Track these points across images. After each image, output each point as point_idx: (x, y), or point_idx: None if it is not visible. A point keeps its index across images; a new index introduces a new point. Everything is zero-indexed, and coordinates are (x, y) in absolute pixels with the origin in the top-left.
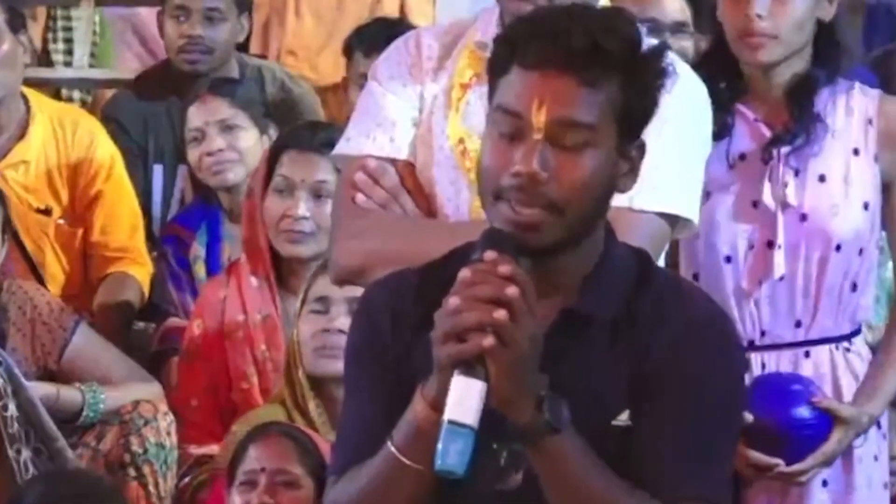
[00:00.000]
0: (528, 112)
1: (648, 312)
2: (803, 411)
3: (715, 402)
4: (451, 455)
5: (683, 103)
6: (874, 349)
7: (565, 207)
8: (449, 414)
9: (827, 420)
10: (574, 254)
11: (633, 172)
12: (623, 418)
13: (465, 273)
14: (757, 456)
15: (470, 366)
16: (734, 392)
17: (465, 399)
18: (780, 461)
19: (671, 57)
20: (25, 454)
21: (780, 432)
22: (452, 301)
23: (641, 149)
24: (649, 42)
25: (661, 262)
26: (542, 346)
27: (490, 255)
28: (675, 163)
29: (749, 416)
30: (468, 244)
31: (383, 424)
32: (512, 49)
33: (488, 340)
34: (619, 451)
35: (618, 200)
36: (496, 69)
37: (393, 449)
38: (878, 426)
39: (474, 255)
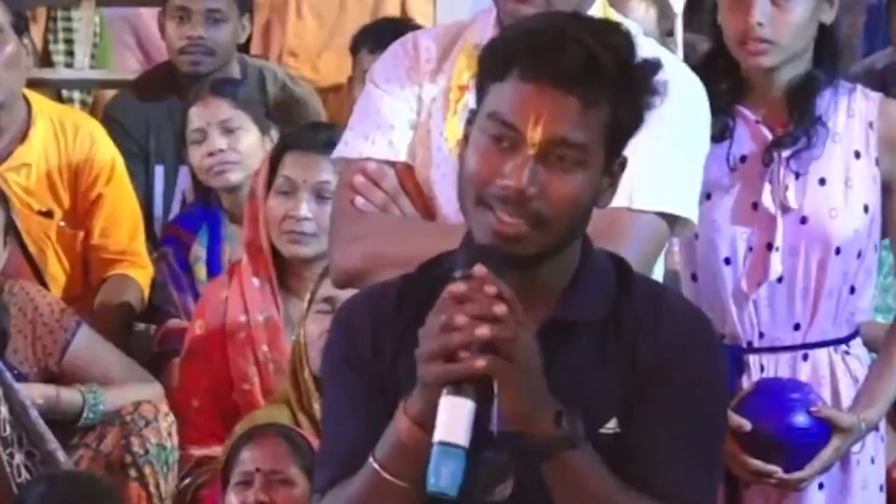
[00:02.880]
0: (523, 126)
1: (634, 319)
2: (802, 419)
3: (707, 406)
4: (444, 476)
5: (681, 104)
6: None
7: (550, 222)
8: (440, 435)
9: (825, 428)
10: (554, 263)
11: (613, 188)
12: (611, 426)
13: (451, 290)
14: (755, 463)
15: (458, 385)
16: (722, 396)
17: (455, 419)
18: (777, 469)
19: (668, 60)
20: (18, 458)
21: (779, 440)
22: (440, 319)
23: (623, 165)
24: (642, 57)
25: (660, 262)
26: (540, 356)
27: (480, 269)
28: (674, 163)
29: (748, 424)
30: (443, 255)
31: (367, 440)
32: (510, 57)
33: (480, 362)
34: (608, 458)
35: (617, 200)
36: (489, 74)
37: (376, 466)
38: (876, 429)
39: (456, 272)
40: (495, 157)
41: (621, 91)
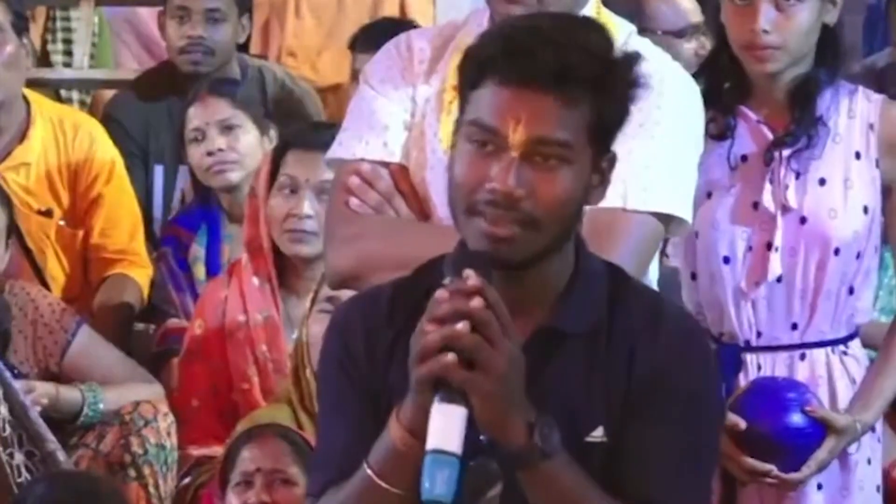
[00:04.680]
0: (504, 129)
1: (628, 328)
2: (797, 419)
3: (699, 419)
4: (439, 484)
5: (675, 104)
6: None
7: (541, 223)
8: (433, 443)
9: (820, 428)
10: (546, 269)
11: (604, 185)
12: (597, 434)
13: (438, 295)
14: (750, 462)
15: (450, 392)
16: (715, 409)
17: (447, 426)
18: (772, 467)
19: (662, 59)
20: (18, 458)
21: (774, 440)
22: (423, 323)
23: (612, 161)
24: (622, 51)
25: (654, 261)
26: (524, 367)
27: (469, 273)
28: (668, 163)
29: (742, 423)
30: (436, 260)
31: (360, 445)
32: (485, 63)
33: (451, 357)
34: (593, 466)
35: (611, 201)
36: (468, 81)
37: (370, 473)
38: (873, 430)
39: (446, 278)
40: (480, 163)
41: (601, 88)
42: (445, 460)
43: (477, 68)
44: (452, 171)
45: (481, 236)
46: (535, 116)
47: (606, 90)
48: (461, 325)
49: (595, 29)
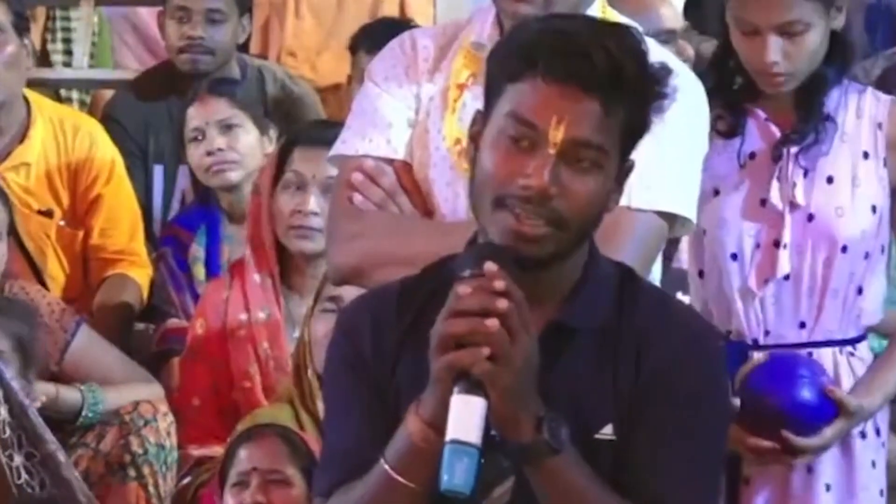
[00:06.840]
0: (545, 126)
1: (637, 327)
2: (807, 394)
3: (708, 416)
4: (458, 474)
5: (680, 104)
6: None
7: (569, 224)
8: (452, 433)
9: (829, 407)
10: (561, 266)
11: (619, 191)
12: (606, 431)
13: (461, 287)
14: (752, 440)
15: (470, 383)
16: (723, 409)
17: (466, 417)
18: (776, 445)
19: (669, 61)
20: (18, 459)
21: (783, 413)
22: (444, 315)
23: (630, 169)
24: (654, 64)
25: (657, 260)
26: (538, 363)
27: (490, 266)
28: (673, 162)
29: (737, 402)
30: (444, 259)
31: (369, 444)
32: (530, 58)
33: (486, 350)
34: (602, 464)
35: None
36: (505, 73)
37: (387, 468)
38: (878, 433)
39: (465, 271)
40: (514, 157)
41: (637, 95)
42: (465, 451)
43: (520, 61)
44: (478, 161)
45: (507, 232)
46: (579, 118)
47: (642, 98)
48: (491, 322)
49: (634, 36)
